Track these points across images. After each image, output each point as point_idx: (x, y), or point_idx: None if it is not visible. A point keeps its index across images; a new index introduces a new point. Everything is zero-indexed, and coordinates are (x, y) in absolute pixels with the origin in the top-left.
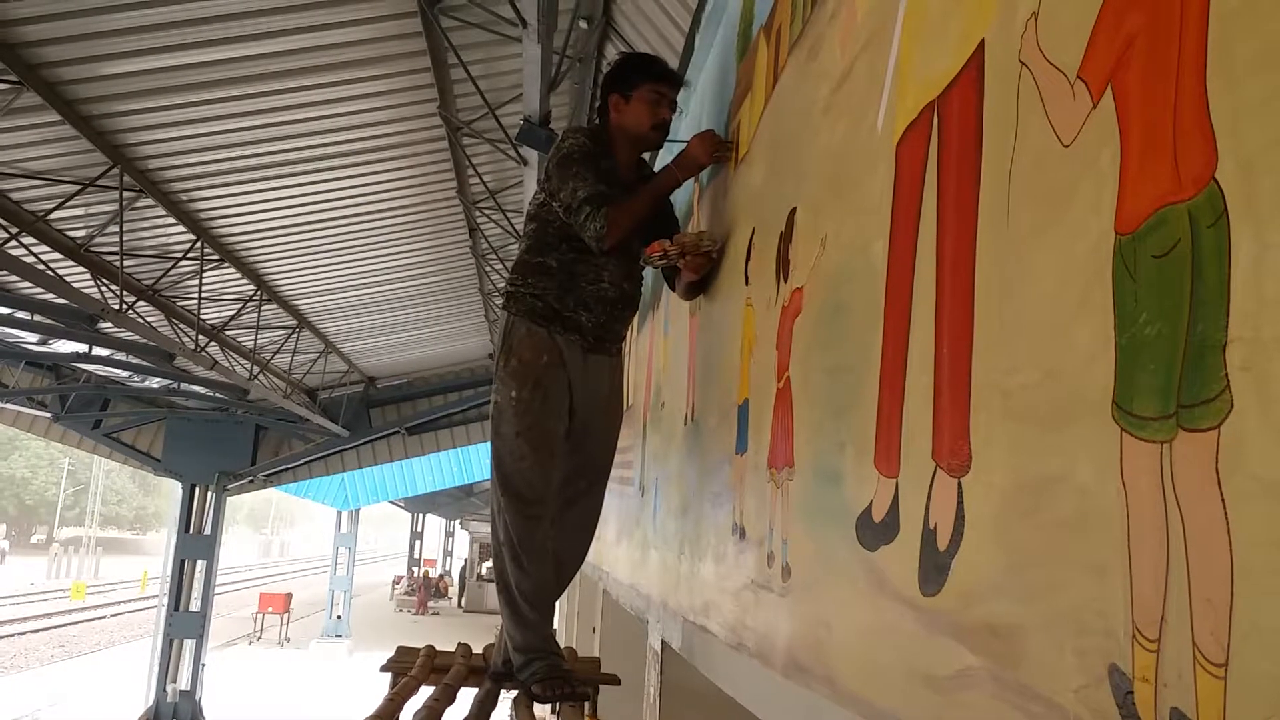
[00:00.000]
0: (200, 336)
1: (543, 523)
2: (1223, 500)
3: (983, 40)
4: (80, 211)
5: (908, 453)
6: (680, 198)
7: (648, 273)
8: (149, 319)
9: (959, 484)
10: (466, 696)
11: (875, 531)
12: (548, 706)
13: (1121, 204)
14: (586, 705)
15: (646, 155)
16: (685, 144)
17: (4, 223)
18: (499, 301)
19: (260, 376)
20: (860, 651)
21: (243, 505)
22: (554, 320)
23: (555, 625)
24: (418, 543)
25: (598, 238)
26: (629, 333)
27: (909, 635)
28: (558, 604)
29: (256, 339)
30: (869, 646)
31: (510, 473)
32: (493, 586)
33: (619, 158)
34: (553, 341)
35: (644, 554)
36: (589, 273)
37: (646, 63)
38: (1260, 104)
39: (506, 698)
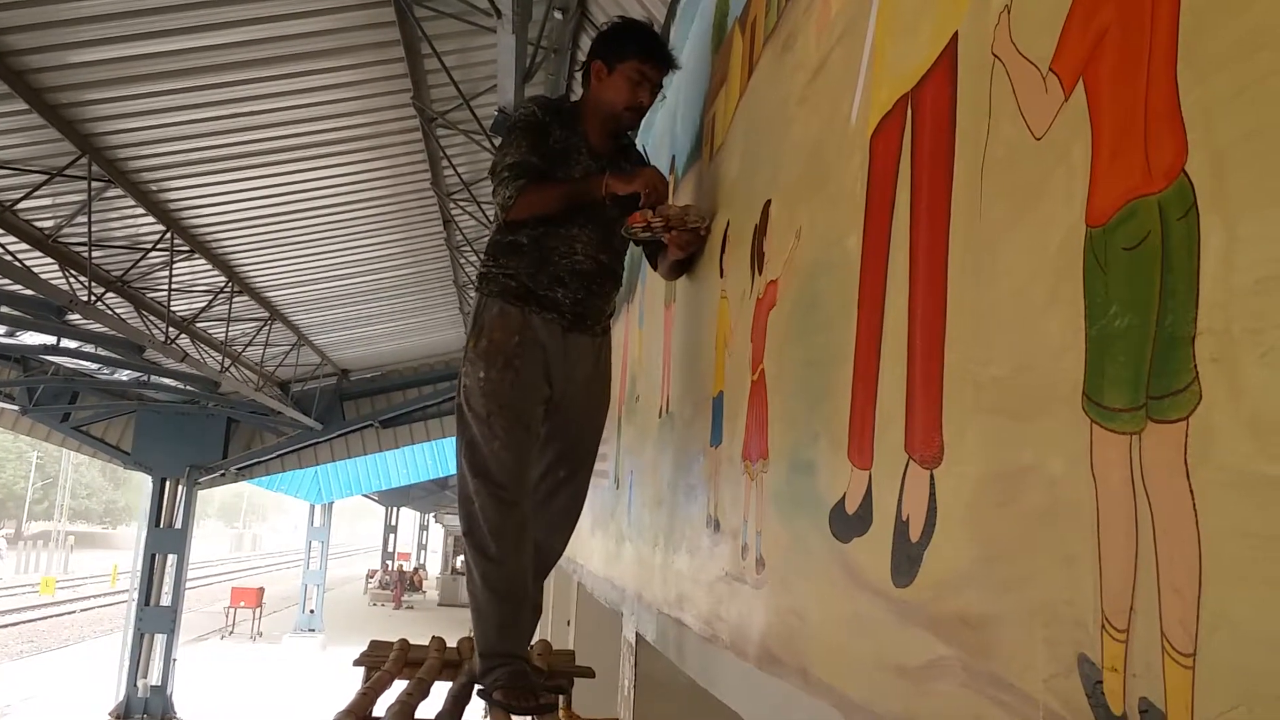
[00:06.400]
0: (170, 329)
1: (518, 509)
2: (1191, 491)
3: (956, 33)
4: (48, 201)
5: (881, 445)
6: None
7: (628, 254)
8: (118, 311)
9: (931, 476)
10: (440, 691)
11: (848, 523)
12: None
13: (1092, 196)
14: (561, 699)
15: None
16: (641, 170)
17: None
18: (473, 294)
19: (232, 369)
20: (833, 642)
21: (214, 499)
22: (529, 299)
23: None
24: (391, 536)
25: (504, 206)
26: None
27: (881, 626)
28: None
29: (228, 331)
30: (842, 637)
31: (485, 455)
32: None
33: (590, 128)
34: (526, 321)
35: (619, 546)
36: (561, 246)
37: (642, 37)
38: (1231, 97)
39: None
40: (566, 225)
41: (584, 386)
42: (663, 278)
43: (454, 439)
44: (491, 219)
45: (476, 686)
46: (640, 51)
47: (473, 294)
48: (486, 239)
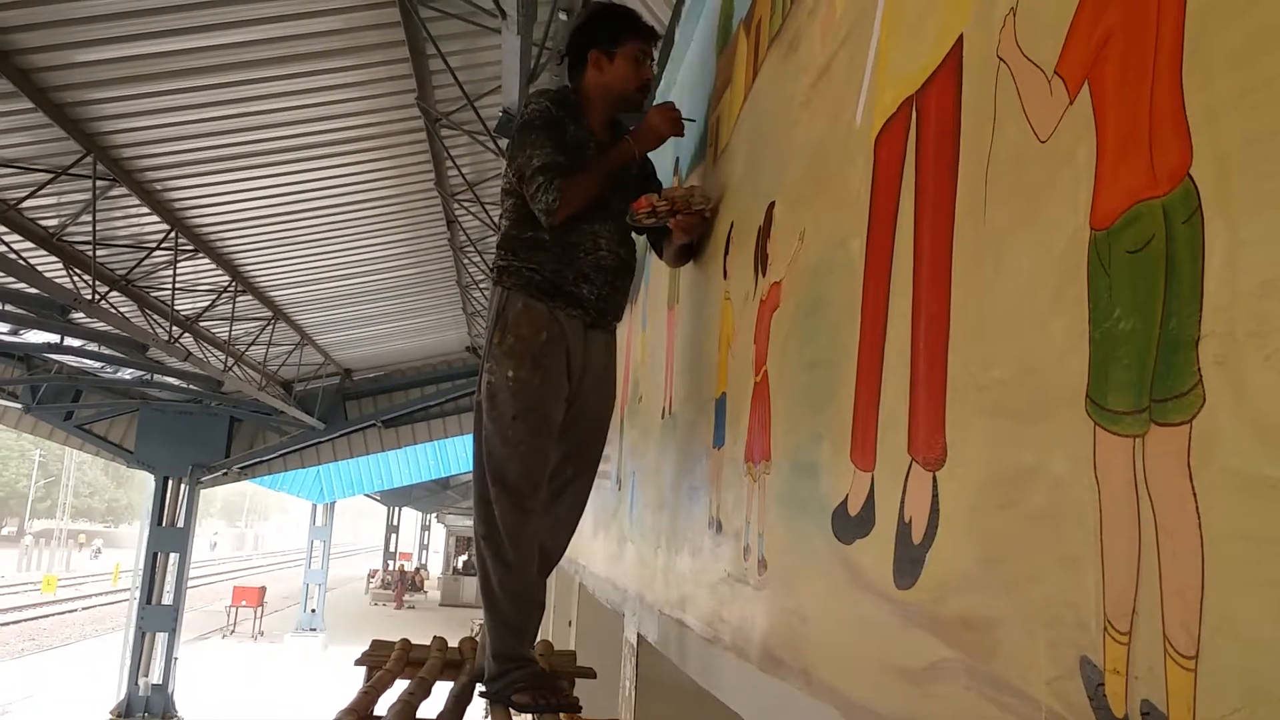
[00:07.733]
0: (174, 328)
1: (535, 515)
2: (1194, 494)
3: (961, 36)
4: (52, 200)
5: (884, 446)
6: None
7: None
8: (122, 309)
9: (934, 477)
10: (442, 690)
11: (851, 525)
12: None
13: (1097, 199)
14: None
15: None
16: (645, 121)
17: None
18: (476, 295)
19: (235, 368)
20: (835, 644)
21: (216, 498)
22: (554, 295)
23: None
24: (393, 536)
25: (549, 211)
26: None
27: (883, 628)
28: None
29: (231, 330)
30: (844, 639)
31: (503, 459)
32: (469, 580)
33: (593, 119)
34: (553, 317)
35: (620, 547)
36: (585, 242)
37: (631, 18)
38: (1235, 100)
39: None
40: (589, 220)
41: (595, 385)
42: (668, 265)
43: (455, 439)
44: (496, 219)
45: (479, 687)
46: (636, 32)
47: (476, 294)
48: (490, 239)
